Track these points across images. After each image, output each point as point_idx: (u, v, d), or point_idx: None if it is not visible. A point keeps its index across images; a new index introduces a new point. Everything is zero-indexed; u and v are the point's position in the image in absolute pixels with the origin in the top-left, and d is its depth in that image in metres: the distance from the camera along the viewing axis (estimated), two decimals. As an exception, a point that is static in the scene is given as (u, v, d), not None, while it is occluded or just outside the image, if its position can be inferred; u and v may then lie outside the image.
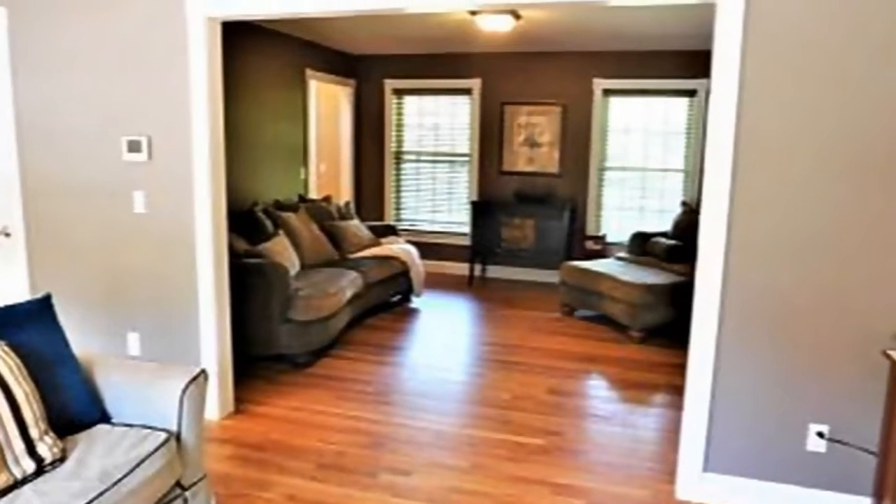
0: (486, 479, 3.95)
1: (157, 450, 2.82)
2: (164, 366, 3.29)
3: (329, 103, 9.52)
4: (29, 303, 3.10)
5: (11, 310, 3.01)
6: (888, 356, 3.13)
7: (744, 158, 3.42)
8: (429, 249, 9.34)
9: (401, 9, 3.93)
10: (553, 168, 8.87)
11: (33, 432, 2.64)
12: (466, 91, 9.17)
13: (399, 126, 9.67)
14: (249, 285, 5.41)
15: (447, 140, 9.49)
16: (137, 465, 2.71)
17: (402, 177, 9.80)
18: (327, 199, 8.13)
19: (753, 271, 3.50)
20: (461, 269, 9.35)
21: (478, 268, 9.29)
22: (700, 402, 3.67)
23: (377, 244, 7.87)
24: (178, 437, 3.01)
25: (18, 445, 2.57)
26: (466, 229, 9.24)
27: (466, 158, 9.34)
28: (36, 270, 4.91)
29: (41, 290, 4.73)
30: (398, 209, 9.89)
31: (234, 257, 5.30)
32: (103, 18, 4.44)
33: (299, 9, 4.05)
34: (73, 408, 2.95)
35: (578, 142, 8.71)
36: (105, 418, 3.06)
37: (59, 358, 3.00)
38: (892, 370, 3.13)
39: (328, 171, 9.52)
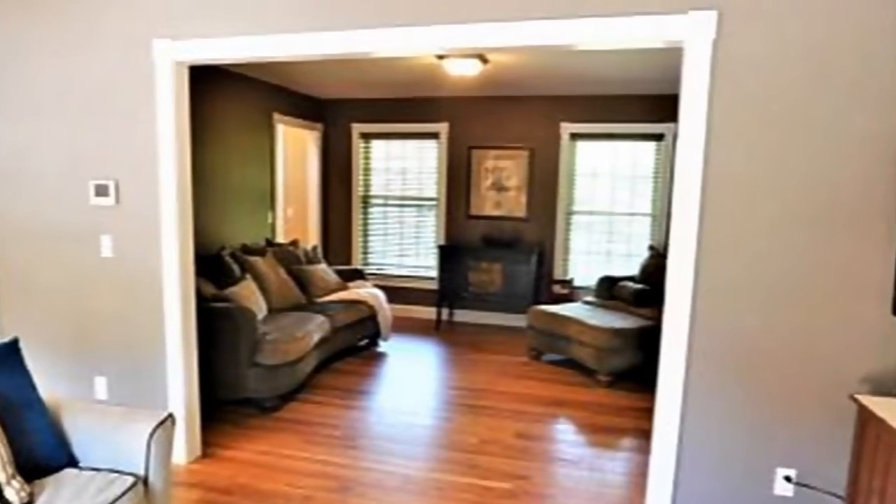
0: (456, 524, 3.94)
1: (124, 494, 2.80)
2: (132, 410, 3.25)
3: (296, 147, 9.55)
4: (-4, 346, 3.07)
5: (-22, 353, 2.98)
6: (855, 400, 3.16)
7: (711, 202, 3.47)
8: (396, 293, 9.37)
9: (367, 53, 3.95)
10: (520, 212, 8.94)
11: (0, 476, 2.60)
12: (434, 135, 9.25)
13: (366, 170, 9.72)
14: (217, 329, 5.37)
15: (415, 184, 9.53)
16: (105, 510, 2.68)
17: (370, 221, 9.82)
18: (294, 243, 8.12)
19: (721, 315, 3.54)
20: (429, 313, 9.37)
21: (445, 312, 9.31)
22: (667, 446, 3.70)
23: (344, 288, 7.87)
24: (145, 481, 2.99)
25: (-16, 491, 2.54)
26: (434, 273, 9.29)
27: (434, 202, 9.40)
28: (3, 314, 4.85)
29: (8, 333, 4.69)
30: (365, 253, 9.90)
31: (202, 301, 5.29)
32: (71, 63, 4.46)
33: (266, 53, 4.07)
34: (40, 452, 2.91)
35: (546, 186, 8.80)
36: (72, 462, 3.03)
37: (26, 402, 2.97)
38: (860, 414, 3.16)
39: (295, 215, 9.52)
